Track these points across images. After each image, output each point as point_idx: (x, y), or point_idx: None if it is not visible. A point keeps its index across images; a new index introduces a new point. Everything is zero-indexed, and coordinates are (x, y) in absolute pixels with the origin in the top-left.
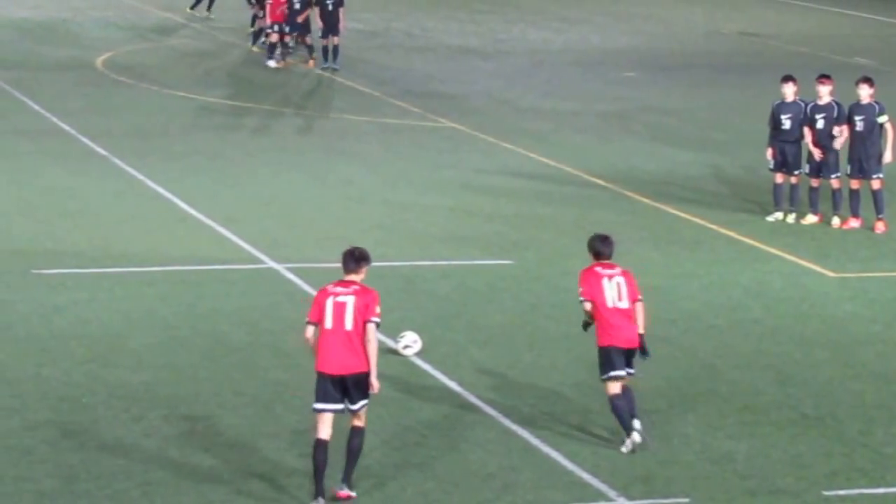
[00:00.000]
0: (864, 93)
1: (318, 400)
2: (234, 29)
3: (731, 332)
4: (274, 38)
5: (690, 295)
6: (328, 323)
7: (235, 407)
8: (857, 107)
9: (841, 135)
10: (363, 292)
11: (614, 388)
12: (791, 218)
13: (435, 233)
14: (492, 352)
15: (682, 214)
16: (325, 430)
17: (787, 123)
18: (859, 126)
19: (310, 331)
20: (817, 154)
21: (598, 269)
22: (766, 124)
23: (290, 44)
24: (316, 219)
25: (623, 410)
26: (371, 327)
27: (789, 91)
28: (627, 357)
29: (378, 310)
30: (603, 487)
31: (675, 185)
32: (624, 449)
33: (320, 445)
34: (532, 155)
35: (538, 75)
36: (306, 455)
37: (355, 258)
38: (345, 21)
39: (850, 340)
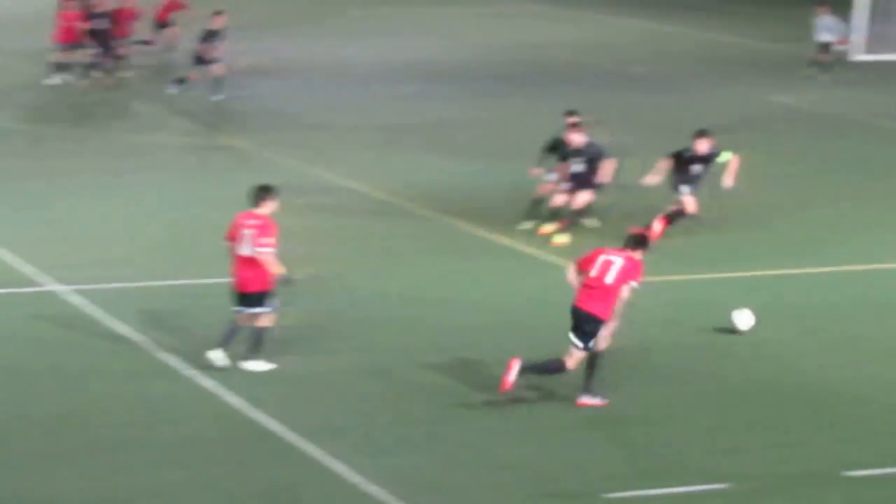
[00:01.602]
0: (703, 147)
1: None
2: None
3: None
4: (60, 57)
5: (476, 303)
6: (593, 272)
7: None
8: (697, 158)
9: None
10: (631, 260)
11: None
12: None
13: (223, 250)
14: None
15: (464, 225)
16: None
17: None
18: (695, 171)
19: (572, 271)
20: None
21: (241, 217)
22: (545, 134)
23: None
24: (100, 239)
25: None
26: (626, 288)
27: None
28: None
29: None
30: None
31: (455, 196)
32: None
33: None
34: (315, 170)
35: (321, 91)
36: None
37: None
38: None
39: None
